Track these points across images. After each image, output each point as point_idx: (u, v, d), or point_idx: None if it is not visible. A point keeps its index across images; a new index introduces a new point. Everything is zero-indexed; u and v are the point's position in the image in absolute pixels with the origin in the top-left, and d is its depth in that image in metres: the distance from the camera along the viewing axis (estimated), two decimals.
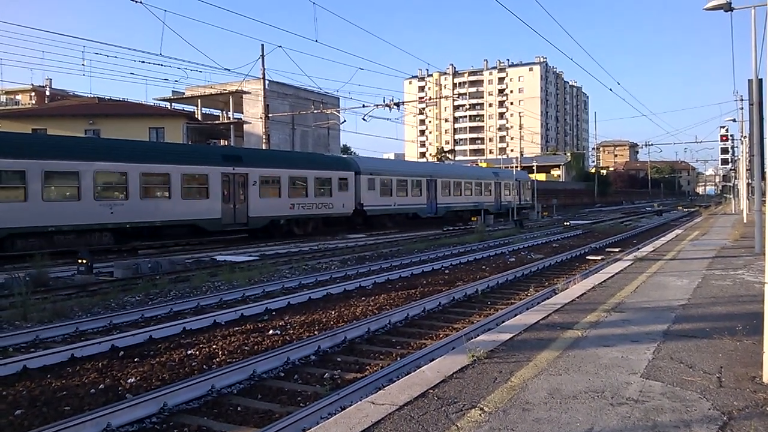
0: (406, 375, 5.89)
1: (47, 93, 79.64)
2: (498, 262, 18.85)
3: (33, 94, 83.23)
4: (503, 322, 8.52)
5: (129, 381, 6.97)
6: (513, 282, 14.41)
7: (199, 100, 60.35)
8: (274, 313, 11.03)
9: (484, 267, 17.47)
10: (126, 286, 14.03)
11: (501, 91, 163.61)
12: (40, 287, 13.49)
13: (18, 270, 15.62)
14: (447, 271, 16.56)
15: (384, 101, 36.88)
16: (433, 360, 6.33)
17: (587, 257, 19.70)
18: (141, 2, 22.70)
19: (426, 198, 39.26)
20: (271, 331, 9.39)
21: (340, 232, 32.37)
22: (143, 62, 72.46)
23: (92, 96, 53.51)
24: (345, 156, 39.29)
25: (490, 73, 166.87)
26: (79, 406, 6.21)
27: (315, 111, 44.32)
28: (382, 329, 9.40)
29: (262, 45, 38.56)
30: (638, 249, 18.97)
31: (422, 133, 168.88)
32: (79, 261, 15.39)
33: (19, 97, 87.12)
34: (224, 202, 25.60)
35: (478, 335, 7.49)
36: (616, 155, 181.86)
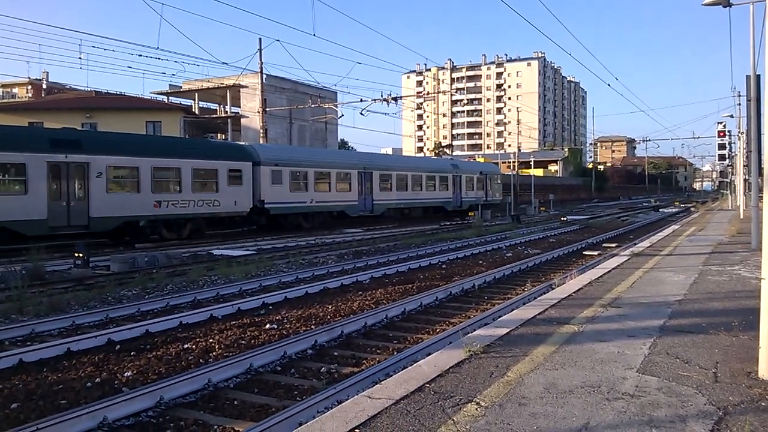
0: (402, 369, 5.88)
1: (44, 86, 79.36)
2: (495, 257, 18.87)
3: (30, 87, 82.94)
4: (500, 316, 8.52)
5: (125, 375, 6.97)
6: (510, 277, 14.42)
7: (196, 94, 60.19)
8: (271, 307, 11.03)
9: (481, 262, 17.48)
10: (122, 280, 14.02)
11: (499, 86, 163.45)
12: (36, 281, 13.47)
13: (14, 263, 15.60)
14: (444, 266, 16.57)
15: (382, 96, 36.85)
16: (429, 354, 6.33)
17: (584, 252, 19.72)
18: None
19: (357, 193, 33.89)
20: (268, 326, 9.39)
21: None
22: (140, 56, 72.28)
23: (89, 89, 53.22)
24: (240, 143, 33.14)
25: (488, 68, 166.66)
26: (76, 399, 6.20)
27: (312, 105, 44.24)
28: (379, 324, 9.41)
29: (260, 39, 38.49)
30: (635, 244, 19.00)
31: (420, 128, 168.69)
32: (76, 255, 15.37)
33: (15, 90, 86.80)
34: (52, 199, 20.53)
35: (474, 330, 7.50)
36: (613, 151, 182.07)
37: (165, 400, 5.92)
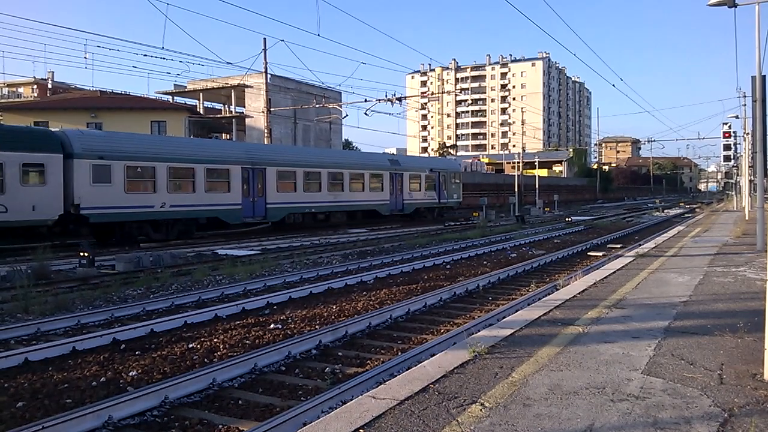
0: (407, 370, 5.89)
1: (49, 86, 79.67)
2: (499, 257, 18.85)
3: (35, 87, 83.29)
4: (504, 317, 8.51)
5: (130, 374, 6.98)
6: (514, 277, 14.41)
7: (201, 94, 60.29)
8: (275, 307, 11.04)
9: (485, 262, 17.46)
10: (127, 280, 14.06)
11: (503, 87, 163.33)
12: (41, 280, 13.52)
13: (19, 262, 15.65)
14: (448, 267, 16.56)
15: (386, 96, 36.86)
16: (434, 355, 6.34)
17: (588, 253, 19.69)
18: None
19: (241, 195, 27.01)
20: (272, 325, 9.40)
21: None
22: (145, 55, 72.46)
23: (94, 89, 53.37)
24: (43, 128, 24.92)
25: (493, 69, 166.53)
26: (81, 398, 6.22)
27: (317, 105, 44.32)
28: (384, 324, 9.41)
29: (265, 39, 38.39)
30: (640, 245, 18.96)
31: (424, 128, 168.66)
32: (81, 254, 15.42)
33: (21, 89, 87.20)
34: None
35: (479, 330, 7.50)
36: (618, 151, 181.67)
37: (170, 400, 5.94)
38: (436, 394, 4.72)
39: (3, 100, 79.35)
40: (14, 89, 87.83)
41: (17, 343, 8.71)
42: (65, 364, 7.49)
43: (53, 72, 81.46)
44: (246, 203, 27.35)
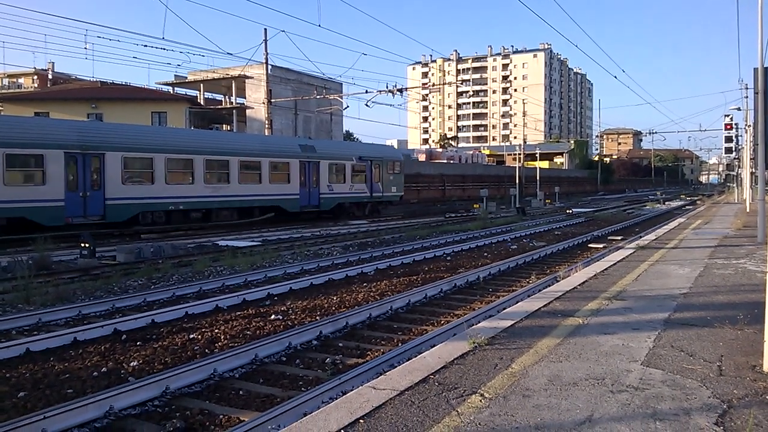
0: (407, 361, 5.90)
1: (50, 76, 79.52)
2: (500, 249, 18.86)
3: (35, 77, 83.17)
4: (504, 309, 8.52)
5: (131, 364, 7.01)
6: (515, 269, 14.42)
7: (201, 85, 60.17)
8: (276, 298, 11.06)
9: (485, 254, 17.48)
10: (128, 270, 14.08)
11: (505, 78, 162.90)
12: (42, 270, 13.55)
13: (20, 253, 15.68)
14: (449, 258, 16.57)
15: (387, 87, 36.75)
16: (434, 346, 6.34)
17: (589, 245, 19.70)
18: None
19: (65, 188, 20.60)
20: (273, 316, 9.42)
21: (341, 217, 31.17)
22: (146, 46, 72.34)
23: (95, 80, 53.29)
24: None
25: (494, 60, 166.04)
26: (82, 389, 6.25)
27: (318, 96, 44.19)
28: (384, 315, 9.43)
29: (265, 29, 38.23)
30: (640, 237, 18.96)
31: (425, 119, 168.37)
32: (82, 245, 15.44)
33: (21, 80, 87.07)
34: None
35: (479, 322, 7.50)
36: (619, 143, 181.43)
37: (171, 390, 5.96)
38: (436, 385, 4.73)
39: (3, 91, 79.27)
40: (15, 80, 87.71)
41: (19, 333, 8.74)
42: (66, 354, 7.52)
43: (53, 62, 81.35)
44: (73, 198, 20.82)
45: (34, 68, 79.04)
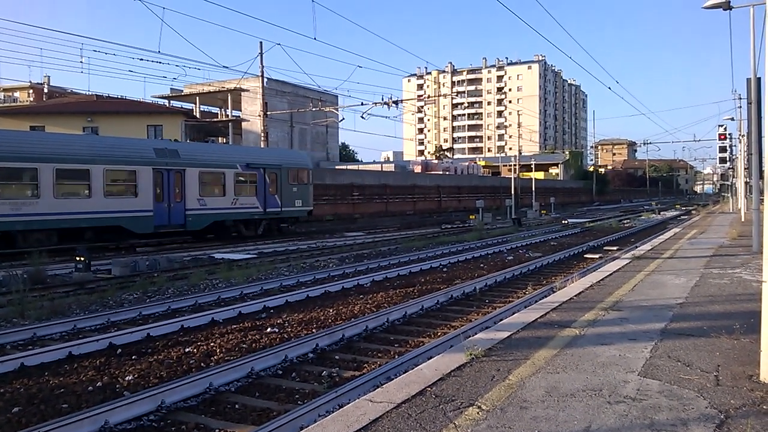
0: (404, 373, 5.88)
1: (45, 90, 79.54)
2: (496, 260, 18.86)
3: (31, 91, 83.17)
4: (501, 320, 8.51)
5: (127, 379, 6.97)
6: (511, 280, 14.42)
7: (197, 98, 60.34)
8: (272, 311, 11.02)
9: (482, 265, 17.47)
10: (124, 284, 14.02)
11: (500, 90, 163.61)
12: (37, 284, 13.48)
13: (15, 267, 15.60)
14: (445, 270, 16.56)
15: (383, 99, 36.86)
16: (431, 358, 6.34)
17: (585, 255, 19.72)
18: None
19: None
20: (269, 329, 9.39)
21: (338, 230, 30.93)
22: (141, 60, 72.59)
23: (90, 93, 53.45)
24: None
25: (489, 72, 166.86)
26: (77, 403, 6.20)
27: (313, 109, 44.30)
28: (381, 327, 9.40)
29: (261, 43, 38.54)
30: (636, 247, 19.00)
31: (421, 131, 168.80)
32: (77, 258, 15.38)
33: (17, 94, 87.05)
34: None
35: (476, 333, 7.50)
36: (614, 154, 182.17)
37: (166, 404, 5.92)
38: (433, 397, 4.72)
39: None
40: (10, 94, 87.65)
41: (13, 348, 8.68)
42: (61, 368, 7.46)
43: (49, 76, 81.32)
44: None
45: (30, 82, 79.10)
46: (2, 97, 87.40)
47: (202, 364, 7.53)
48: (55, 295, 12.61)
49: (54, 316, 10.75)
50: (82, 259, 15.22)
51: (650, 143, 68.95)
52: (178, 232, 25.18)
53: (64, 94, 75.24)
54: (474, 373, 5.36)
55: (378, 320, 9.54)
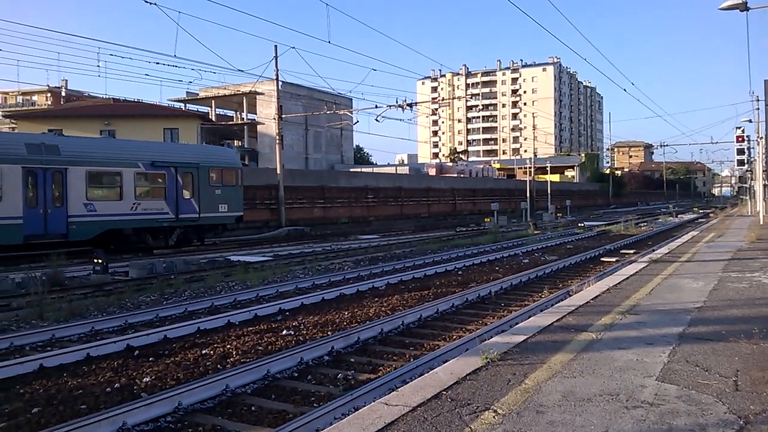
0: (419, 376, 5.88)
1: (63, 94, 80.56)
2: (512, 263, 18.79)
3: (49, 95, 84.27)
4: (517, 323, 8.49)
5: (144, 380, 7.03)
6: (527, 283, 14.35)
7: (213, 101, 60.77)
8: (287, 313, 11.07)
9: (497, 268, 17.42)
10: (141, 286, 14.14)
11: (514, 92, 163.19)
12: (56, 287, 13.64)
13: (34, 269, 15.80)
14: (460, 272, 16.53)
15: (397, 102, 36.85)
16: (446, 361, 6.33)
17: (602, 259, 19.58)
18: (155, 3, 22.87)
19: None
20: (284, 332, 9.42)
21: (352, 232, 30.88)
22: (157, 63, 72.81)
23: (107, 97, 54.08)
24: None
25: (503, 74, 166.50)
26: (95, 404, 6.26)
27: (328, 112, 44.39)
28: (396, 330, 9.41)
29: (276, 46, 38.47)
30: (653, 251, 18.83)
31: (435, 133, 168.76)
32: (95, 261, 15.54)
33: (35, 98, 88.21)
34: None
35: (491, 337, 7.48)
36: (630, 156, 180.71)
37: (183, 406, 5.96)
38: (449, 401, 4.71)
39: (17, 108, 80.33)
40: (28, 97, 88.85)
41: (32, 349, 8.79)
42: (80, 370, 7.54)
43: (67, 80, 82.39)
44: None
45: (48, 86, 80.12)
46: (21, 101, 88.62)
47: (219, 366, 7.58)
48: (73, 296, 12.75)
49: (72, 317, 10.88)
50: (100, 261, 15.38)
51: (667, 145, 68.37)
52: (57, 244, 20.02)
53: (82, 97, 76.12)
54: (490, 376, 5.35)
55: (393, 323, 9.55)
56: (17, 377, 7.18)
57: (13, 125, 52.46)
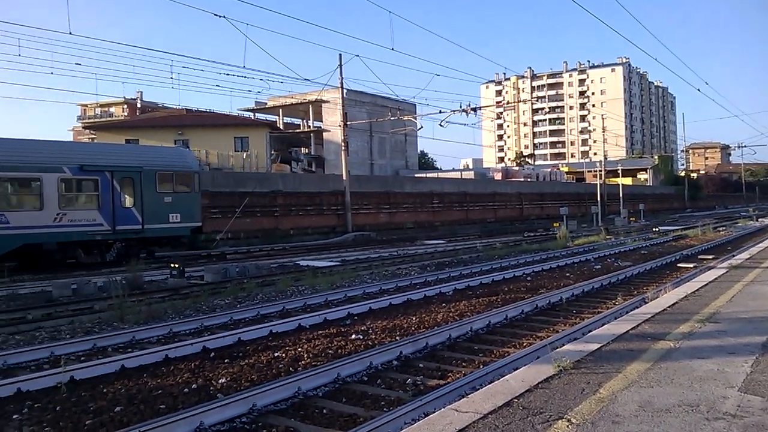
0: (489, 383, 5.83)
1: (138, 105, 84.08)
2: (583, 269, 18.36)
3: (125, 106, 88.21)
4: (590, 331, 8.29)
5: (220, 381, 7.24)
6: (599, 290, 13.99)
7: (280, 110, 62.15)
8: (356, 317, 11.18)
9: (567, 274, 17.05)
10: (215, 290, 14.60)
11: (582, 93, 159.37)
12: (135, 290, 14.25)
13: (115, 273, 16.56)
14: (529, 278, 16.27)
15: (461, 106, 36.64)
16: (516, 369, 6.25)
17: (678, 265, 18.87)
18: (224, 17, 23.62)
19: None
20: (353, 336, 9.52)
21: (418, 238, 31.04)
22: (227, 74, 75.58)
23: (180, 107, 56.07)
24: None
25: (570, 75, 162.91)
26: (173, 404, 6.49)
27: (392, 118, 44.63)
28: (464, 336, 9.35)
29: (340, 55, 39.03)
30: (733, 256, 17.99)
31: (500, 138, 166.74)
32: (172, 265, 16.16)
33: (112, 109, 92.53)
34: None
35: (563, 345, 7.33)
36: (706, 158, 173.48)
37: (258, 407, 6.11)
38: (521, 409, 4.65)
39: (96, 120, 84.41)
40: (106, 109, 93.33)
41: (114, 350, 9.21)
42: (159, 371, 7.84)
43: (142, 92, 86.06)
44: None
45: (124, 98, 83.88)
46: (99, 112, 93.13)
47: (291, 369, 7.73)
48: (152, 300, 13.28)
49: (151, 320, 11.34)
50: (177, 266, 15.98)
51: (745, 146, 65.31)
52: None
53: (156, 108, 79.27)
54: (563, 385, 5.25)
55: (461, 329, 9.50)
56: (101, 377, 7.53)
57: (93, 136, 55.11)
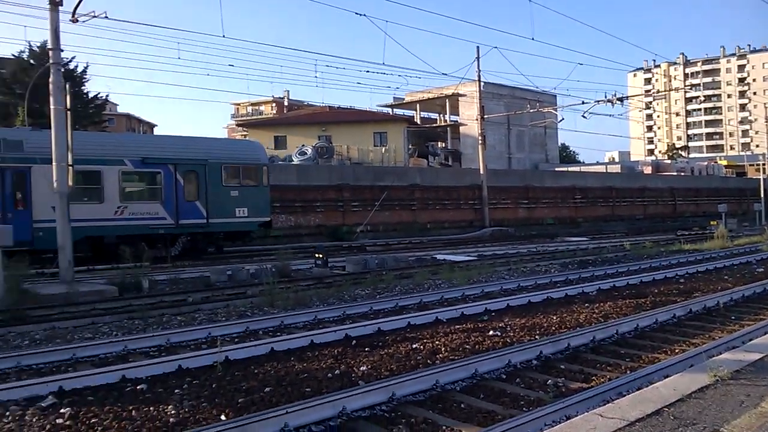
0: (636, 390, 5.57)
1: (285, 103, 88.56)
2: (743, 272, 16.89)
3: (274, 104, 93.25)
4: (751, 339, 7.63)
5: (361, 369, 7.48)
6: (762, 295, 12.78)
7: (417, 105, 62.80)
8: (493, 314, 11.07)
9: (726, 277, 15.77)
10: (356, 280, 15.11)
11: (741, 80, 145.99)
12: (284, 278, 15.10)
13: (265, 262, 17.65)
14: (682, 281, 15.23)
15: (605, 97, 34.96)
16: (667, 376, 5.92)
17: None
18: (365, 15, 24.29)
19: None
20: (491, 332, 9.44)
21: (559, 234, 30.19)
22: (368, 72, 77.32)
23: (324, 105, 58.44)
24: None
25: (728, 61, 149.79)
26: (318, 388, 6.77)
27: (531, 110, 43.51)
28: (609, 339, 8.94)
29: (477, 47, 38.56)
30: None
31: (650, 129, 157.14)
32: (317, 255, 16.98)
33: (262, 107, 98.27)
34: None
35: (720, 353, 6.83)
36: None
37: (396, 396, 6.22)
38: (671, 419, 4.40)
39: (248, 118, 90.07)
40: (257, 107, 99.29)
41: (264, 333, 9.82)
42: (304, 355, 8.24)
43: (288, 91, 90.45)
44: None
45: (272, 96, 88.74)
46: (250, 111, 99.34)
47: (429, 361, 7.80)
48: (299, 287, 13.97)
49: (298, 306, 11.97)
50: (321, 256, 16.77)
51: None
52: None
53: (302, 106, 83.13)
54: (719, 396, 4.89)
55: (606, 331, 9.09)
56: (252, 359, 8.04)
57: (245, 133, 58.90)
